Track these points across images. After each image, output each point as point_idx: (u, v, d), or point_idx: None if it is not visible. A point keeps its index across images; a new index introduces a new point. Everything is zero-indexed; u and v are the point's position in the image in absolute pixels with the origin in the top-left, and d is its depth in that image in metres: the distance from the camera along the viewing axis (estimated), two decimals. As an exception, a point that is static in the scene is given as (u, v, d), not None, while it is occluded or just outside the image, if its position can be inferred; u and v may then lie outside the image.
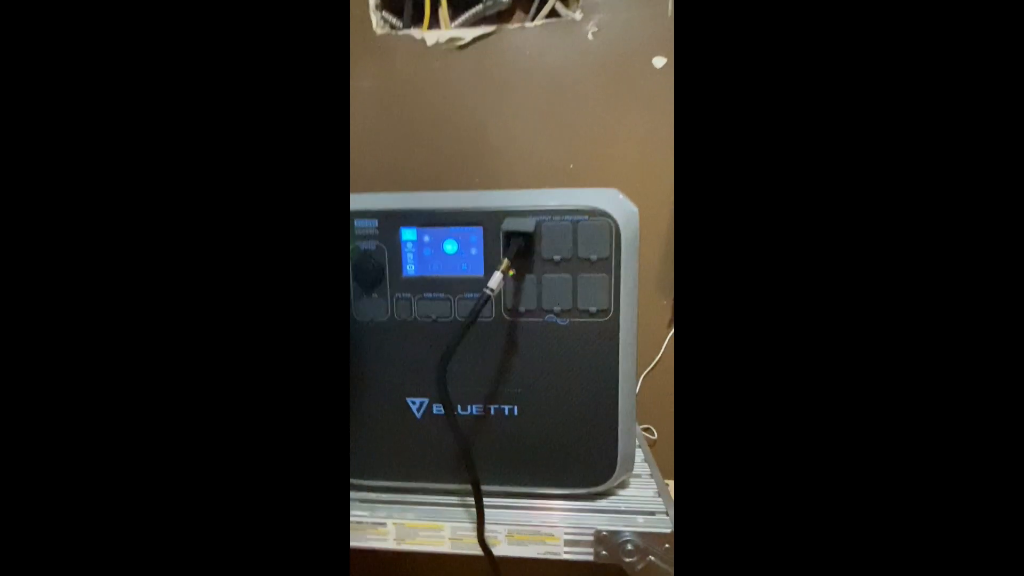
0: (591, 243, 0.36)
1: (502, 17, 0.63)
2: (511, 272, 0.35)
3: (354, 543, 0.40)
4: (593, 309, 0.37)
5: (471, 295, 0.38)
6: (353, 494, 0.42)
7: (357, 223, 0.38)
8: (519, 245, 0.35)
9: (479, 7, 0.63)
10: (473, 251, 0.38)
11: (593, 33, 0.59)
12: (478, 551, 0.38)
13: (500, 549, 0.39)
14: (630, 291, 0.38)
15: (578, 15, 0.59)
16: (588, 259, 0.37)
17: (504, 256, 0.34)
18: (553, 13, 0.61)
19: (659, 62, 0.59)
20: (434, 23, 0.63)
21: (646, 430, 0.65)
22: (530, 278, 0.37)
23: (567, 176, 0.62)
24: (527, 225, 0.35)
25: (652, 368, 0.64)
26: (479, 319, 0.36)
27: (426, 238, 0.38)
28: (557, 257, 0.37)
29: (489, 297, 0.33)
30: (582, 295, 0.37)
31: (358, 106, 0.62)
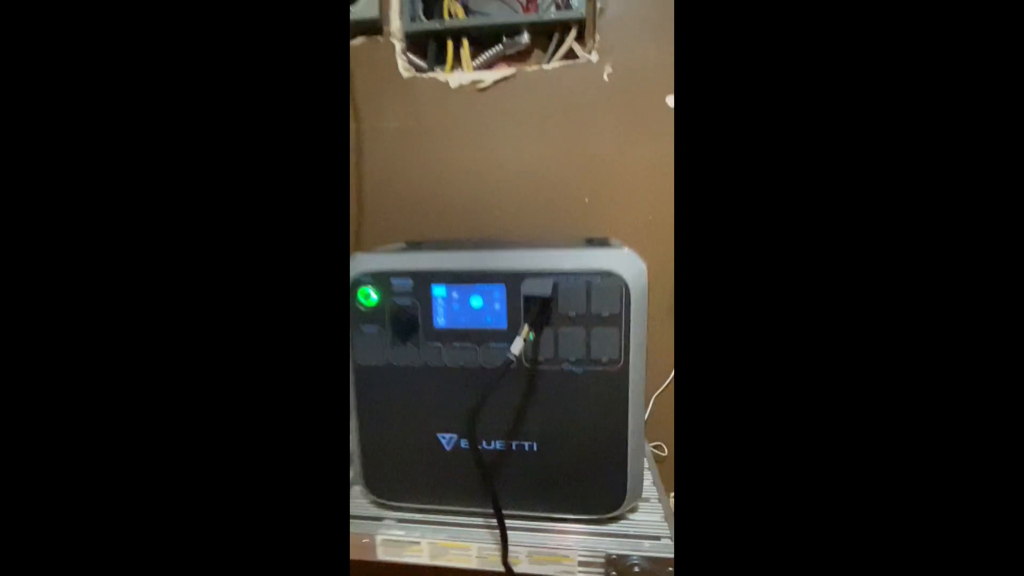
0: (603, 301, 0.40)
1: (521, 55, 0.66)
2: (531, 336, 0.39)
3: (391, 558, 0.46)
4: (605, 359, 0.41)
5: (495, 344, 0.42)
6: (391, 515, 0.48)
7: (394, 281, 0.43)
8: (538, 307, 0.39)
9: (499, 47, 0.66)
10: (496, 306, 0.42)
11: (608, 74, 0.62)
12: (502, 568, 0.43)
13: (521, 567, 0.44)
14: (639, 343, 0.41)
15: (594, 57, 0.62)
16: (600, 315, 0.41)
17: (525, 321, 0.39)
18: (571, 53, 0.64)
19: (672, 100, 0.61)
20: (456, 62, 0.66)
21: (657, 447, 0.69)
22: (548, 331, 0.41)
23: (583, 209, 0.65)
24: (545, 289, 0.39)
25: (663, 390, 0.68)
26: (509, 353, 0.39)
27: (454, 294, 0.43)
28: (573, 313, 0.41)
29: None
30: (595, 347, 0.41)
31: (386, 145, 0.67)
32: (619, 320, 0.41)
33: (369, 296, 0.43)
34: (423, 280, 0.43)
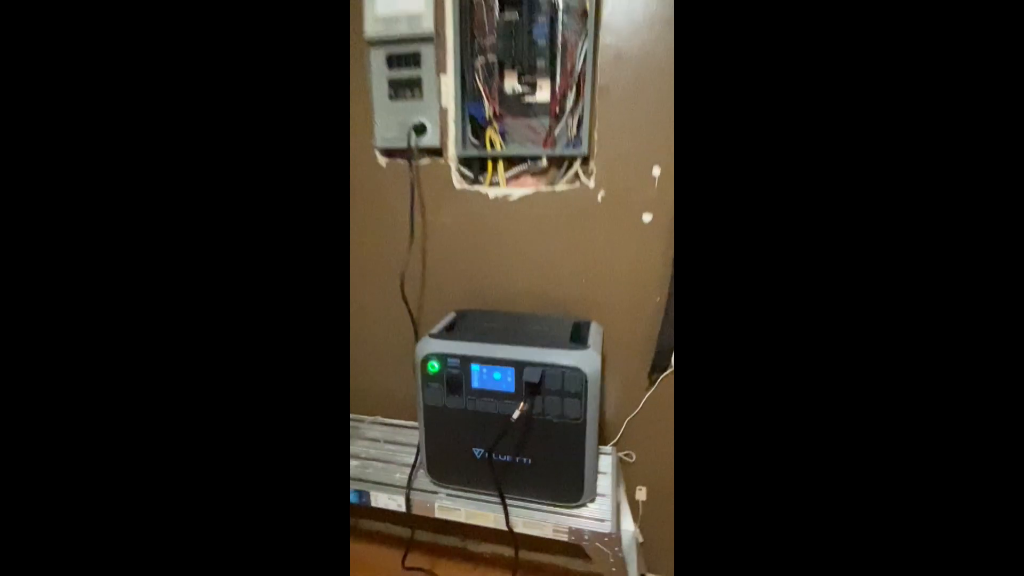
0: (571, 384, 0.68)
1: (542, 172, 0.91)
2: (525, 406, 0.67)
3: (443, 516, 0.77)
4: (572, 416, 0.69)
5: (507, 400, 0.71)
6: (443, 491, 0.79)
7: (448, 360, 0.72)
8: (531, 387, 0.67)
9: (525, 165, 0.90)
10: (508, 379, 0.70)
11: (601, 197, 0.85)
12: (506, 528, 0.74)
13: (519, 529, 0.74)
14: (593, 408, 0.69)
15: (592, 183, 0.85)
16: (570, 391, 0.68)
17: (523, 397, 0.67)
18: (575, 176, 0.88)
19: (647, 217, 0.84)
20: (494, 175, 0.92)
21: (627, 455, 0.97)
22: (539, 398, 0.69)
23: (580, 288, 0.91)
24: (536, 377, 0.67)
25: (634, 416, 0.95)
26: (512, 416, 0.68)
27: (484, 370, 0.71)
28: (553, 388, 0.69)
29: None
30: (566, 409, 0.69)
31: (442, 235, 0.94)
32: (581, 395, 0.68)
33: (434, 366, 0.73)
34: (466, 361, 0.71)
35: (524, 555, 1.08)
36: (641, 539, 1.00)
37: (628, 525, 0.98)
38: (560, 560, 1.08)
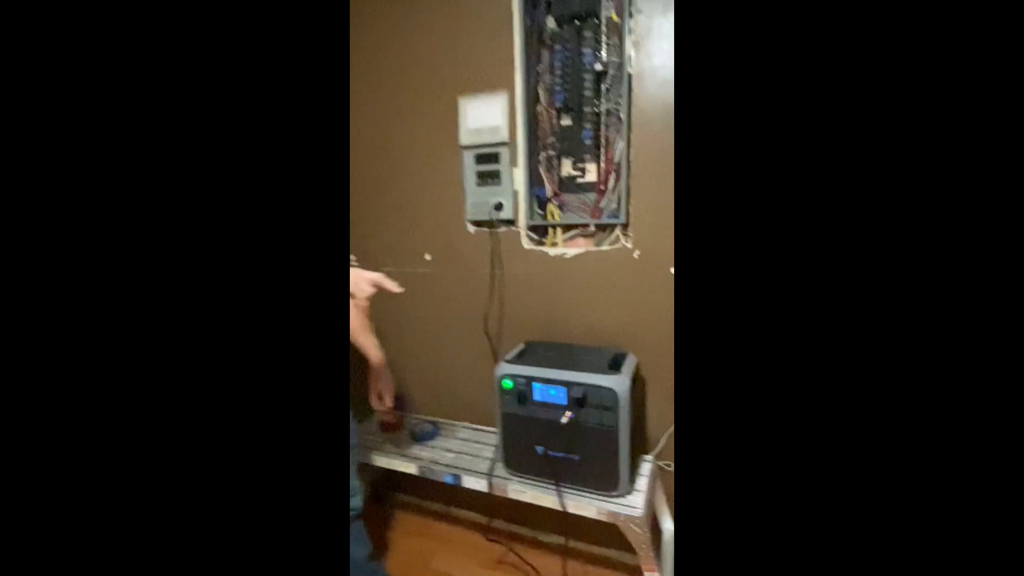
0: (606, 400, 0.92)
1: (591, 235, 1.17)
2: (571, 415, 0.93)
3: (515, 496, 1.04)
4: (608, 424, 0.93)
5: (559, 411, 0.97)
6: (515, 478, 1.06)
7: (517, 379, 1.00)
8: (577, 400, 0.93)
9: (578, 230, 1.17)
10: (561, 395, 0.96)
11: (637, 255, 1.09)
12: (560, 508, 0.98)
13: (570, 509, 0.98)
14: (624, 419, 0.92)
15: (630, 244, 1.10)
16: (605, 405, 0.92)
17: (569, 408, 0.93)
18: (617, 239, 1.13)
19: (672, 270, 1.07)
20: (554, 238, 1.20)
21: (667, 464, 1.16)
22: (583, 410, 0.94)
23: (620, 324, 1.14)
24: (580, 393, 0.93)
25: (672, 432, 1.14)
26: (561, 421, 0.94)
27: (543, 387, 0.98)
28: (593, 403, 0.93)
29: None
30: (603, 419, 0.93)
31: (516, 284, 1.23)
32: (614, 408, 0.92)
33: (507, 384, 1.01)
34: (530, 380, 0.99)
35: (583, 547, 1.30)
36: (682, 539, 1.18)
37: (668, 524, 1.17)
38: (611, 553, 1.28)
